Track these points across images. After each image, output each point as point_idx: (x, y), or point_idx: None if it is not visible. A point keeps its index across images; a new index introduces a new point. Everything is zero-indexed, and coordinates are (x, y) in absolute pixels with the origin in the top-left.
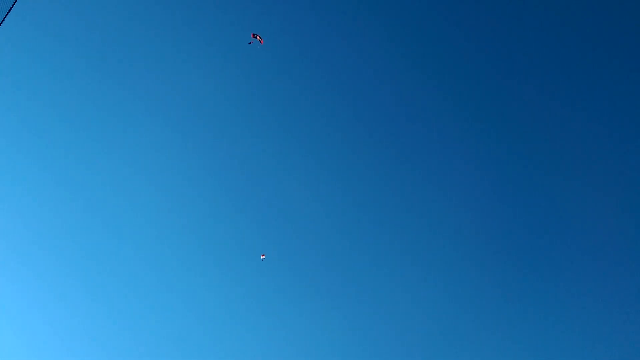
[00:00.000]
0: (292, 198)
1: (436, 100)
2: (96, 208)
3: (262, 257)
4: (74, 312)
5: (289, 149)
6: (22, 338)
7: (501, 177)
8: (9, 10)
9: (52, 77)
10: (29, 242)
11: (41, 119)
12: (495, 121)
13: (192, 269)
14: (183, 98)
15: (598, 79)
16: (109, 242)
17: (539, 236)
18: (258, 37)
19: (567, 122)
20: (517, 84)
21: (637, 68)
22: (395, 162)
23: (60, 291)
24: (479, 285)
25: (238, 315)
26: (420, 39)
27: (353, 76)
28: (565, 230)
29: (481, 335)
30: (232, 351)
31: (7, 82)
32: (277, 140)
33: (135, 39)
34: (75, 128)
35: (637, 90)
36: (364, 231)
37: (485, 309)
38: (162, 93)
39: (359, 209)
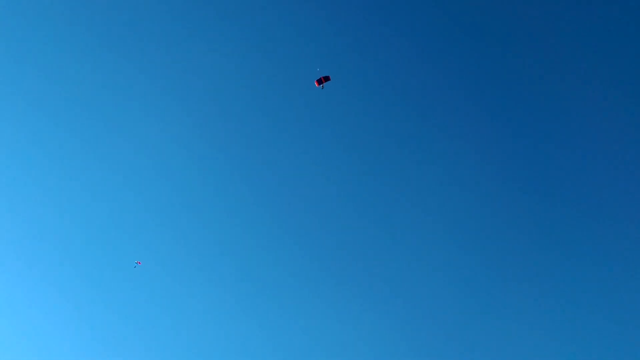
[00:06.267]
0: (292, 195)
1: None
2: (96, 207)
3: (137, 264)
4: (75, 311)
5: (287, 149)
6: (21, 337)
7: (505, 176)
8: None
9: (50, 75)
10: (29, 242)
11: (41, 119)
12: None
13: (192, 269)
14: (181, 98)
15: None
16: (108, 242)
17: (541, 238)
18: (322, 80)
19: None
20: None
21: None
22: (394, 163)
23: (61, 291)
24: (482, 288)
25: (238, 316)
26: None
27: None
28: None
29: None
30: (233, 351)
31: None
32: (276, 140)
33: (135, 38)
34: (77, 129)
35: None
36: (363, 230)
37: (488, 310)
38: (160, 93)
39: (357, 206)
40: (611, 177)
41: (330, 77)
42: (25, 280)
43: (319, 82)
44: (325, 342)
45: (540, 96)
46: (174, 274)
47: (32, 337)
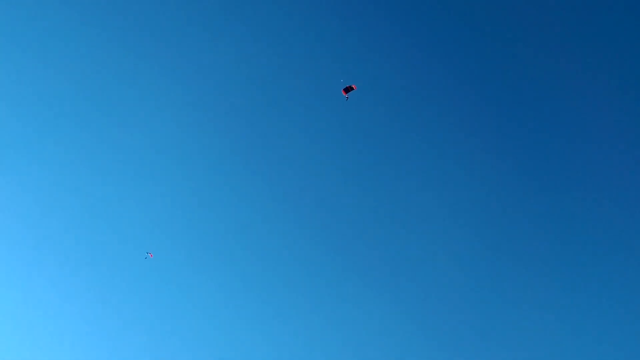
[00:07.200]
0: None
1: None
2: (97, 207)
3: (149, 255)
4: (77, 310)
5: (295, 147)
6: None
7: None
8: None
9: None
10: (30, 241)
11: (42, 117)
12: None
13: (192, 268)
14: (188, 97)
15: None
16: (112, 240)
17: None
18: (349, 89)
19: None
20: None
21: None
22: (395, 163)
23: (63, 290)
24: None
25: (239, 314)
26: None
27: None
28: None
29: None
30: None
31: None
32: (275, 139)
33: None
34: (83, 128)
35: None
36: (369, 229)
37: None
38: (164, 91)
39: (364, 205)
40: (616, 176)
41: (355, 86)
42: (28, 278)
43: (346, 90)
44: (329, 340)
45: (547, 96)
46: (179, 272)
47: (34, 335)
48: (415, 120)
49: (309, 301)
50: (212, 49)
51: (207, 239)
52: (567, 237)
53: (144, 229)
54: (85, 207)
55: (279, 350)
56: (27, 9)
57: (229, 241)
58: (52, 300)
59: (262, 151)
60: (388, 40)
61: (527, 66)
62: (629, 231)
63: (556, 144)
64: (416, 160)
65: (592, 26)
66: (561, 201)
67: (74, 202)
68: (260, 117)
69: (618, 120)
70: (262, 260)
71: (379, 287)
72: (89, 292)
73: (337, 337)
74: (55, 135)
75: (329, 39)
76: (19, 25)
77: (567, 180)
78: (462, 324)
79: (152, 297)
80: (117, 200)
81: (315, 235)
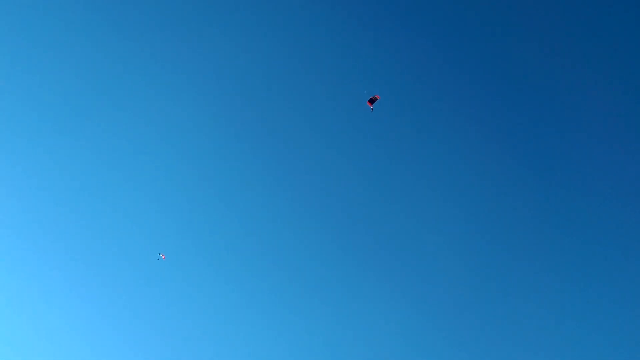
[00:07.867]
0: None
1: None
2: (102, 207)
3: (162, 257)
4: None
5: (295, 147)
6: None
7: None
8: None
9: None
10: (34, 242)
11: (44, 117)
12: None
13: (192, 268)
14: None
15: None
16: (108, 240)
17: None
18: (373, 99)
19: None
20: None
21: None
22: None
23: (66, 290)
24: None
25: (239, 315)
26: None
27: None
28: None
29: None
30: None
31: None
32: (281, 139)
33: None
34: (82, 129)
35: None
36: (370, 229)
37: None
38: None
39: (364, 205)
40: (620, 174)
41: (379, 96)
42: (29, 278)
43: (371, 102)
44: (330, 341)
45: (552, 94)
46: (187, 273)
47: (37, 335)
48: (424, 122)
49: (316, 300)
50: (216, 49)
51: (214, 239)
52: (573, 236)
53: (150, 229)
54: (90, 207)
55: (283, 350)
56: (27, 8)
57: (236, 241)
58: (55, 300)
59: (268, 151)
60: (392, 40)
61: (532, 67)
62: (634, 229)
63: (560, 142)
64: (421, 159)
65: (602, 25)
66: (568, 200)
67: (79, 202)
68: (267, 117)
69: (621, 118)
70: (267, 260)
71: (385, 286)
72: (92, 292)
73: (342, 336)
74: (62, 135)
75: (336, 38)
76: (18, 24)
77: (571, 178)
78: (469, 323)
79: (161, 297)
80: (122, 201)
81: (321, 235)
